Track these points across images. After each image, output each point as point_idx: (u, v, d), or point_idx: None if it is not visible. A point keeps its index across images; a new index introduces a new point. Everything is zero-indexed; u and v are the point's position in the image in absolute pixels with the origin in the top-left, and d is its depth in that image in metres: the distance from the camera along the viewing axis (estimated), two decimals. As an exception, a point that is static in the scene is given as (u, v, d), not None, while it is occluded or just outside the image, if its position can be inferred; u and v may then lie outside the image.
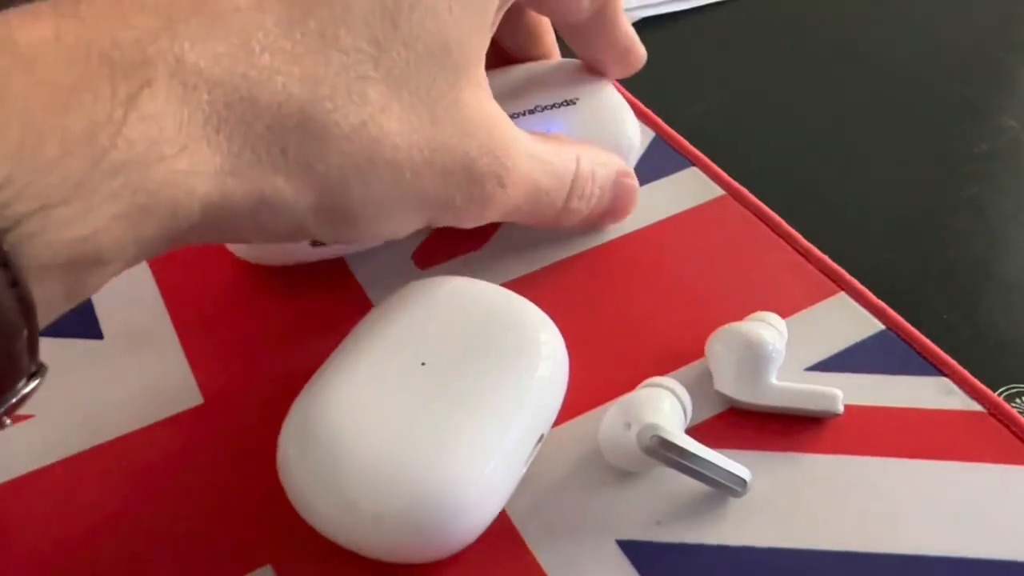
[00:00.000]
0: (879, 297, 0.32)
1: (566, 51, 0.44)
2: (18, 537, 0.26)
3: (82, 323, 0.32)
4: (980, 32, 0.49)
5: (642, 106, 0.41)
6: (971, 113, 0.42)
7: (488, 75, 0.36)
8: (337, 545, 0.25)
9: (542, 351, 0.27)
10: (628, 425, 0.26)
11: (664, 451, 0.25)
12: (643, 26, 0.47)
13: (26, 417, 0.29)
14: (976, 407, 0.29)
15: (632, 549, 0.25)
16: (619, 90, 0.40)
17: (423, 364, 0.26)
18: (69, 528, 0.26)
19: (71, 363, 0.30)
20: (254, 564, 0.25)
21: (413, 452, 0.24)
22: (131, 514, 0.27)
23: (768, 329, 0.29)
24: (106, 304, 0.33)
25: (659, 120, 0.40)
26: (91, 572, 0.25)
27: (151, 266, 0.34)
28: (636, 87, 0.43)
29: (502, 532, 0.26)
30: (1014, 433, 0.28)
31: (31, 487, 0.27)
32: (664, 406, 0.26)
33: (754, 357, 0.28)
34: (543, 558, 0.25)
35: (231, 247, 0.33)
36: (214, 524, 0.26)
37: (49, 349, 0.29)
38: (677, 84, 0.44)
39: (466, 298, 0.28)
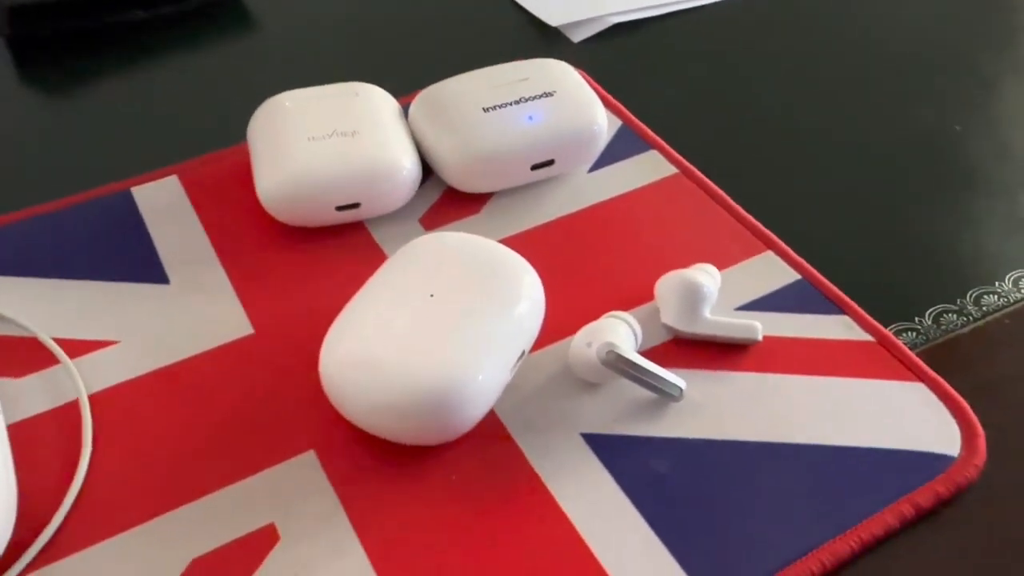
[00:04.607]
0: (798, 254, 0.37)
1: (546, 52, 0.49)
2: (113, 431, 0.29)
3: (152, 272, 0.35)
4: (899, 38, 0.52)
5: (611, 99, 0.44)
6: (887, 110, 0.45)
7: (482, 71, 0.40)
8: (365, 432, 0.29)
9: (523, 289, 0.30)
10: (590, 344, 0.30)
11: (618, 364, 0.30)
12: (614, 32, 0.50)
13: (113, 343, 0.32)
14: (869, 338, 0.33)
15: (592, 440, 0.30)
16: (591, 84, 0.43)
17: (431, 296, 0.29)
18: (151, 423, 0.30)
19: (145, 302, 0.34)
20: (300, 450, 0.29)
21: (424, 360, 0.27)
22: (200, 415, 0.30)
23: (704, 275, 0.33)
24: (169, 256, 0.35)
25: (625, 110, 0.44)
26: (172, 455, 0.29)
27: (205, 227, 0.37)
28: (607, 82, 0.46)
29: (492, 425, 0.30)
30: (897, 358, 0.33)
31: (120, 394, 0.30)
32: (620, 331, 0.31)
33: (692, 296, 0.32)
34: (523, 446, 0.29)
35: (271, 211, 0.36)
36: (267, 422, 0.30)
37: (127, 292, 0.35)
38: (641, 81, 0.47)
39: (465, 248, 0.31)
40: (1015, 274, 0.38)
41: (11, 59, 0.47)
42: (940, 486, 0.29)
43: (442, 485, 0.29)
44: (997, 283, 0.37)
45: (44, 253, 0.36)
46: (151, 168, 0.40)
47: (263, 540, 0.27)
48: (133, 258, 0.36)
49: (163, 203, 0.38)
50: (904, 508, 0.28)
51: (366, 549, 0.27)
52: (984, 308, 0.36)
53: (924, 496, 0.29)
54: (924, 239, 0.39)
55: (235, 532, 0.27)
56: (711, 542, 0.27)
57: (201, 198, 0.39)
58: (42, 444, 0.29)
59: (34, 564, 0.26)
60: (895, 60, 0.50)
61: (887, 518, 0.28)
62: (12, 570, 0.26)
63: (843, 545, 0.27)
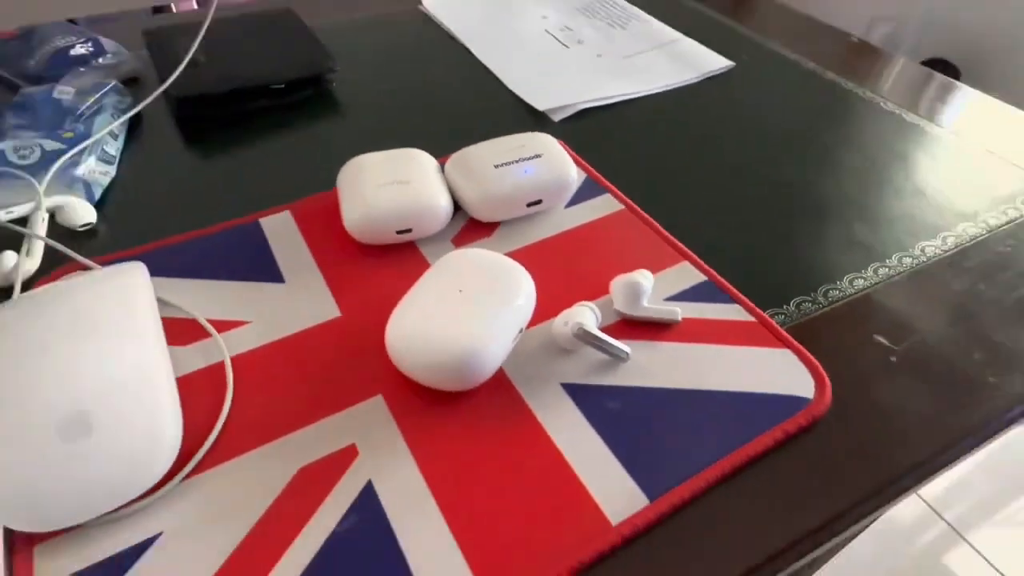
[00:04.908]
0: (705, 263, 0.36)
1: (536, 127, 0.49)
2: (246, 382, 0.29)
3: (273, 275, 0.34)
4: (771, 119, 0.51)
5: (580, 159, 0.44)
6: (763, 166, 0.45)
7: (493, 141, 0.40)
8: (416, 382, 0.29)
9: (521, 287, 0.30)
10: (566, 323, 0.30)
11: (585, 337, 0.30)
12: (581, 114, 0.50)
13: (246, 323, 0.32)
14: (753, 319, 0.33)
15: (568, 388, 0.30)
16: (566, 149, 0.43)
17: (460, 291, 0.29)
18: (272, 378, 0.30)
19: (268, 295, 0.33)
20: (372, 394, 0.29)
21: (456, 333, 0.28)
22: (304, 371, 0.30)
23: (643, 277, 0.33)
24: (284, 265, 0.35)
25: (589, 167, 0.43)
26: (286, 399, 0.29)
27: (308, 245, 0.36)
28: (577, 148, 0.46)
29: (500, 378, 0.30)
30: (771, 333, 0.33)
31: (252, 358, 0.30)
32: (586, 314, 0.31)
33: (634, 291, 0.32)
34: (522, 391, 0.29)
35: (352, 234, 0.35)
36: (350, 375, 0.30)
37: (256, 288, 0.34)
38: (600, 147, 0.46)
39: (483, 260, 0.31)
40: (850, 276, 0.38)
41: (179, 131, 0.47)
42: (801, 419, 0.29)
43: (468, 417, 0.29)
44: (838, 281, 0.37)
45: (202, 262, 0.36)
46: (273, 205, 0.40)
47: (347, 455, 0.27)
48: (260, 266, 0.36)
49: (280, 229, 0.38)
50: (777, 434, 0.28)
51: (416, 459, 0.27)
52: (829, 299, 0.36)
53: (791, 425, 0.29)
54: (788, 252, 0.39)
55: (329, 449, 0.27)
56: (647, 456, 0.27)
57: (306, 226, 0.38)
58: (199, 391, 0.29)
59: (193, 472, 0.26)
60: (769, 132, 0.50)
61: (766, 440, 0.28)
62: (179, 475, 0.26)
63: (737, 458, 0.27)
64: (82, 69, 0.50)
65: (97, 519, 0.24)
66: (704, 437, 0.28)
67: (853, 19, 2.13)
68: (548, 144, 0.40)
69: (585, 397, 0.29)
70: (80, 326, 0.28)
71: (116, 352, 0.27)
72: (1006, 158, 0.49)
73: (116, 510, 0.25)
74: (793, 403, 0.30)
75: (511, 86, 0.54)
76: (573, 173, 0.39)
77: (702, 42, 0.62)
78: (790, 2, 0.71)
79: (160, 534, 0.24)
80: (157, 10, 1.27)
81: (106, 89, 0.47)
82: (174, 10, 1.16)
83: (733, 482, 0.27)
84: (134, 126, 0.47)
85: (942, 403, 0.31)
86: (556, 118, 0.50)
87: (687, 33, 0.63)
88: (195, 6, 1.11)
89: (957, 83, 0.58)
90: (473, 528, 0.25)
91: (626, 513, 0.25)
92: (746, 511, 0.26)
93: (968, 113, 0.54)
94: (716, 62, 0.58)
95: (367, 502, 0.25)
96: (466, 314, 0.29)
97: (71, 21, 0.58)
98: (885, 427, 0.30)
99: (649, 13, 0.67)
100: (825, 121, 0.51)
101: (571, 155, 0.44)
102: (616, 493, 0.26)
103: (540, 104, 0.51)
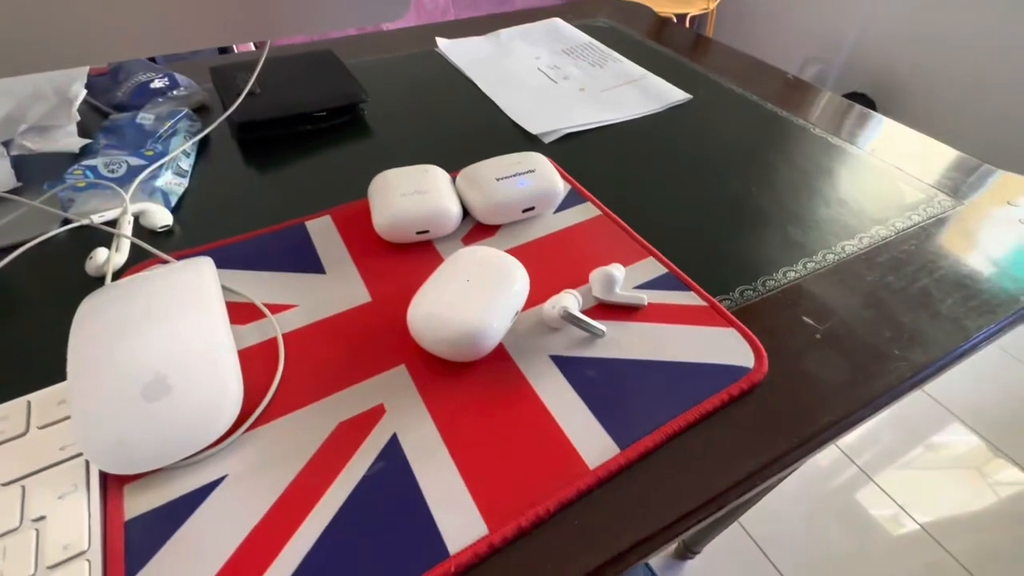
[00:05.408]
0: (667, 258, 0.36)
1: (530, 147, 0.48)
2: (295, 355, 0.29)
3: (316, 267, 0.34)
4: (723, 140, 0.50)
5: (566, 173, 0.43)
6: (715, 180, 0.44)
7: (495, 159, 0.39)
8: (432, 354, 0.29)
9: (518, 277, 0.30)
10: (554, 307, 0.30)
11: (569, 318, 0.30)
12: (567, 137, 0.48)
13: (294, 306, 0.31)
14: (704, 304, 0.33)
15: (556, 359, 0.29)
16: (555, 166, 0.43)
17: (468, 281, 0.29)
18: (315, 351, 0.29)
19: (312, 284, 0.33)
20: (396, 363, 0.29)
21: (464, 315, 0.27)
22: (341, 345, 0.29)
23: (616, 270, 0.32)
24: (326, 259, 0.34)
25: (573, 180, 0.42)
26: (326, 368, 0.28)
27: (345, 243, 0.35)
28: (563, 165, 0.45)
29: (501, 352, 0.30)
30: (720, 315, 0.32)
31: (299, 335, 0.30)
32: (570, 299, 0.30)
33: (609, 280, 0.32)
34: (518, 362, 0.29)
35: (381, 234, 0.34)
36: (378, 349, 0.29)
37: (303, 278, 0.34)
38: (583, 164, 0.45)
39: (486, 255, 0.31)
40: (784, 268, 0.37)
41: (239, 151, 0.46)
42: (743, 383, 0.29)
43: (474, 382, 0.28)
44: (774, 273, 0.37)
45: (258, 257, 0.35)
46: (316, 211, 0.39)
47: (377, 412, 0.27)
48: (306, 260, 0.35)
49: (322, 230, 0.37)
50: (723, 396, 0.28)
51: (432, 416, 0.27)
52: (767, 287, 0.36)
53: (735, 389, 0.29)
54: (734, 250, 0.38)
55: (361, 408, 0.27)
56: (619, 414, 0.27)
57: (343, 227, 0.38)
58: (256, 361, 0.29)
59: (252, 426, 0.26)
60: (720, 153, 0.49)
61: (714, 401, 0.28)
62: (241, 428, 0.26)
63: (692, 415, 0.27)
64: (160, 99, 0.49)
65: (174, 464, 0.24)
66: (665, 398, 0.28)
67: (788, 60, 2.11)
68: (540, 161, 0.39)
69: (569, 366, 0.29)
70: (158, 308, 0.28)
71: (188, 329, 0.27)
72: (912, 174, 0.48)
73: (190, 457, 0.24)
74: (737, 372, 0.29)
75: (509, 113, 0.53)
76: (560, 185, 0.38)
77: (665, 78, 0.61)
78: (737, 46, 0.70)
79: (226, 476, 0.24)
80: (223, 51, 1.26)
81: (180, 116, 0.46)
82: (236, 50, 1.14)
83: (688, 434, 0.27)
84: (203, 146, 0.47)
85: (858, 372, 0.30)
86: (546, 140, 0.49)
87: (653, 71, 0.62)
88: (252, 48, 1.10)
89: (873, 112, 0.57)
90: (477, 471, 0.25)
91: (601, 459, 0.25)
92: (699, 458, 0.26)
93: (882, 137, 0.54)
94: (677, 95, 0.57)
95: (392, 450, 0.25)
96: (473, 299, 0.28)
97: (151, 60, 0.57)
98: (811, 391, 0.29)
99: (622, 54, 0.66)
100: (766, 144, 0.51)
101: (559, 170, 0.43)
102: (593, 443, 0.26)
103: (533, 128, 0.50)
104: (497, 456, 0.25)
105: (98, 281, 0.33)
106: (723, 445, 0.27)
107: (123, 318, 0.27)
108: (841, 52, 1.96)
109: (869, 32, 1.89)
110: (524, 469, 0.25)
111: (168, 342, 0.26)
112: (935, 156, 0.51)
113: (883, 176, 0.48)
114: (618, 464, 0.25)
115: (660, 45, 0.69)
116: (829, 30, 1.98)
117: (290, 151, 0.46)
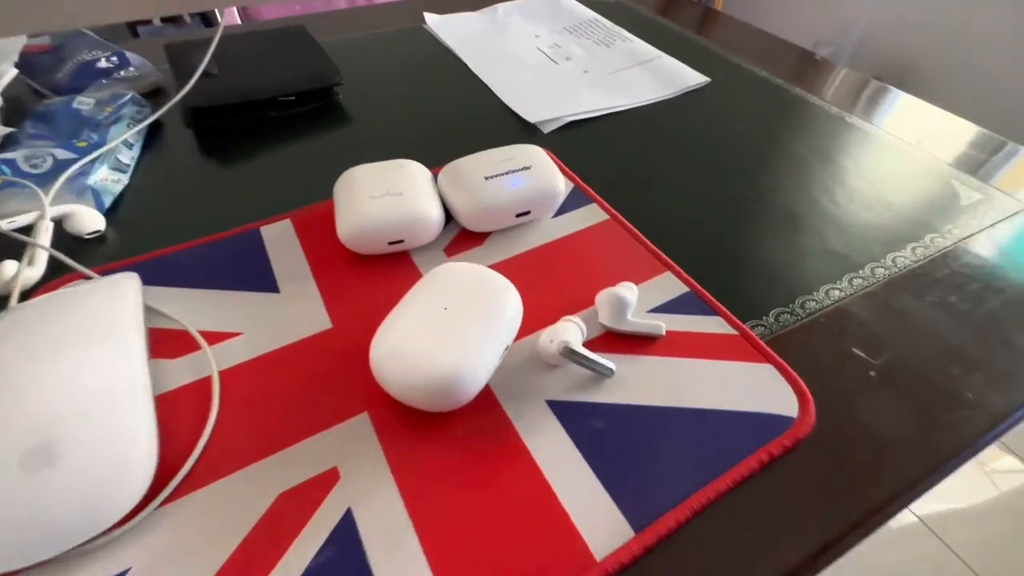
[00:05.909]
0: (687, 273, 0.31)
1: (526, 139, 0.42)
2: (233, 398, 0.24)
3: (269, 285, 0.29)
4: (744, 131, 0.45)
5: (567, 169, 0.38)
6: (740, 178, 0.39)
7: (484, 152, 0.34)
8: (400, 402, 0.23)
9: (508, 303, 0.25)
10: (552, 341, 0.25)
11: (570, 355, 0.24)
12: (568, 126, 0.43)
13: (238, 334, 0.26)
14: (734, 332, 0.28)
15: (553, 404, 0.24)
16: (554, 160, 0.38)
17: (445, 309, 0.23)
18: (258, 393, 0.24)
19: (262, 306, 0.27)
20: (358, 411, 0.23)
21: (440, 355, 0.22)
22: (292, 386, 0.24)
23: (627, 290, 0.27)
24: (281, 274, 0.29)
25: (576, 177, 0.37)
26: (271, 416, 0.23)
27: (305, 254, 0.30)
28: (564, 159, 0.40)
29: (486, 396, 0.24)
30: (753, 346, 0.27)
31: (240, 372, 0.25)
32: (571, 330, 0.25)
33: (619, 305, 0.27)
34: (507, 409, 0.24)
35: (347, 244, 0.29)
36: (336, 391, 0.24)
37: (252, 298, 0.28)
38: (586, 158, 0.40)
39: (469, 274, 0.25)
40: (826, 287, 0.31)
41: (196, 142, 0.41)
42: (786, 440, 0.23)
43: (452, 439, 0.23)
44: (815, 293, 0.31)
45: (201, 271, 0.30)
46: (279, 213, 0.34)
47: (329, 479, 0.21)
48: (257, 275, 0.30)
49: (280, 238, 0.32)
50: (762, 455, 0.23)
51: (398, 484, 0.21)
52: (807, 310, 0.30)
53: (776, 447, 0.23)
54: (767, 264, 0.33)
55: (311, 472, 0.22)
56: (631, 478, 0.22)
57: (304, 234, 0.32)
58: (184, 408, 0.23)
59: (168, 499, 0.21)
60: (743, 144, 0.43)
61: (751, 463, 0.23)
62: (151, 505, 0.20)
63: (722, 483, 0.22)
64: (104, 81, 0.43)
65: (60, 555, 0.19)
66: (689, 460, 0.22)
67: (798, 41, 2.03)
68: (537, 156, 0.33)
69: (570, 414, 0.24)
70: (60, 342, 0.22)
71: (92, 371, 0.22)
72: (967, 170, 0.42)
73: (80, 546, 0.19)
74: (777, 423, 0.24)
75: (504, 99, 0.47)
76: (560, 185, 0.33)
77: (679, 59, 0.54)
78: (748, 20, 0.64)
79: (128, 570, 0.19)
80: (207, 24, 1.17)
81: (124, 100, 0.40)
82: (219, 19, 1.06)
83: (718, 507, 0.22)
84: (152, 137, 0.41)
85: (924, 424, 0.25)
86: (545, 129, 0.43)
87: (665, 50, 0.56)
88: (238, 20, 1.01)
89: (918, 100, 0.51)
90: (453, 565, 0.19)
91: (612, 546, 0.20)
92: (731, 539, 0.21)
93: (931, 127, 0.47)
94: (693, 78, 0.51)
95: (345, 533, 0.20)
96: (451, 334, 0.23)
97: (134, 34, 0.51)
98: (867, 449, 0.24)
99: (631, 32, 0.60)
100: (794, 134, 0.45)
101: (559, 166, 0.38)
102: (601, 524, 0.20)
103: (531, 116, 0.44)
104: (479, 544, 0.20)
105: (2, 302, 0.28)
106: (764, 523, 0.21)
107: (12, 355, 0.21)
108: (853, 34, 1.88)
109: (881, 14, 1.81)
110: (514, 562, 0.19)
111: (62, 390, 0.21)
112: (991, 149, 0.45)
113: (933, 173, 0.42)
114: (632, 553, 0.20)
115: (670, 22, 0.62)
116: (840, 10, 1.89)
117: (252, 142, 0.41)
